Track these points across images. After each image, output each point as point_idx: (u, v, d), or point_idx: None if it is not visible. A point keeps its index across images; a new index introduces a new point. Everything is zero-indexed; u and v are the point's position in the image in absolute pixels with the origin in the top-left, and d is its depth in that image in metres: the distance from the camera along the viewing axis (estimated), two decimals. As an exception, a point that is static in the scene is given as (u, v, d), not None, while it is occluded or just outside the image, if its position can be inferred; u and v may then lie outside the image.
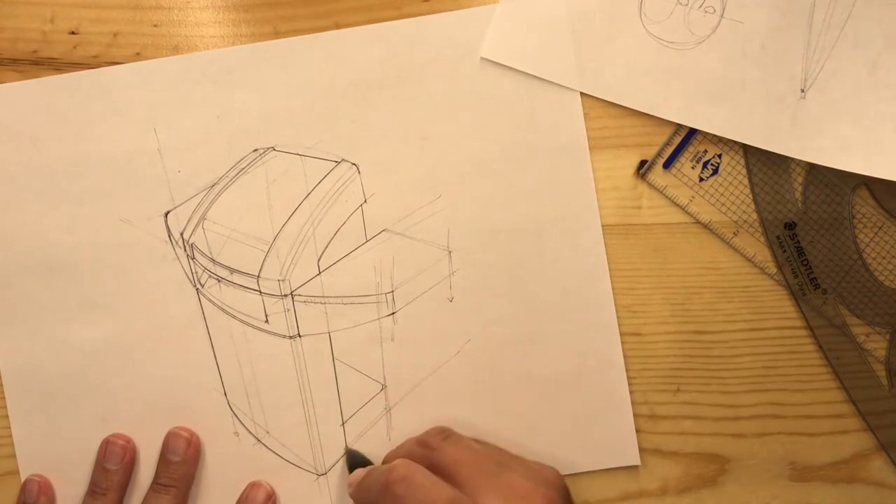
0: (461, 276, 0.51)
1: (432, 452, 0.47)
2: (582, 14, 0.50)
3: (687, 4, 0.50)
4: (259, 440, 0.52)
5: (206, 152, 0.50)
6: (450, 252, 0.51)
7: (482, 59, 0.50)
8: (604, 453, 0.51)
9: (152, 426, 0.51)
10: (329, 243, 0.50)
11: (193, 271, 0.50)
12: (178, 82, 0.50)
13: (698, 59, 0.50)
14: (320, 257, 0.50)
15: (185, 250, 0.50)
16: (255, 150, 0.50)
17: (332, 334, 0.51)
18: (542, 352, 0.51)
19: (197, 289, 0.50)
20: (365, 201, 0.51)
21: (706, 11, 0.49)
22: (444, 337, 0.51)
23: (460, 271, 0.51)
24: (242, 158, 0.50)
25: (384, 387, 0.52)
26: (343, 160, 0.50)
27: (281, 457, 0.52)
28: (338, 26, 0.50)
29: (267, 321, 0.50)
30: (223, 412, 0.51)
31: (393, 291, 0.51)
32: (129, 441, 0.51)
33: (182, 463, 0.50)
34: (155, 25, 0.51)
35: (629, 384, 0.52)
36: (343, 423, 0.52)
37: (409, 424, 0.52)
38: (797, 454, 0.52)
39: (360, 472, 0.48)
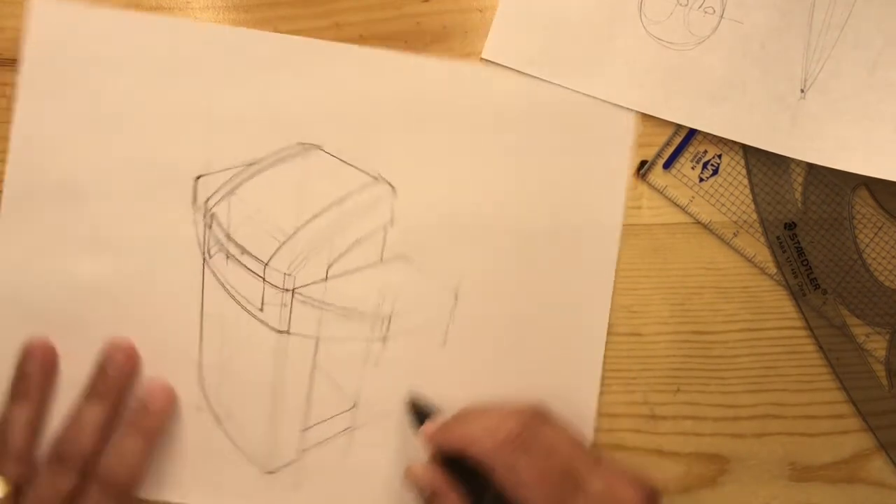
0: (460, 324, 0.51)
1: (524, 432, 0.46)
2: (582, 14, 0.51)
3: (686, 5, 0.50)
4: (218, 420, 0.51)
5: (254, 130, 0.50)
6: (456, 298, 0.51)
7: (537, 113, 0.51)
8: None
9: None
10: (344, 253, 0.50)
11: (206, 240, 0.50)
12: (250, 54, 0.50)
13: (698, 59, 0.50)
14: (331, 264, 0.50)
15: (204, 217, 0.50)
16: (301, 143, 0.50)
17: (320, 340, 0.51)
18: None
19: (204, 258, 0.50)
20: (391, 223, 0.51)
21: (706, 12, 0.50)
22: (426, 377, 0.51)
23: (461, 320, 0.51)
24: (286, 147, 0.50)
25: (354, 406, 0.52)
26: (381, 178, 0.50)
27: (234, 444, 0.51)
28: (337, 26, 0.51)
29: (262, 309, 0.50)
30: (192, 383, 0.51)
31: (390, 316, 0.51)
32: (49, 346, 0.50)
33: (119, 376, 0.49)
34: None
35: (629, 384, 0.51)
36: (304, 430, 0.52)
37: (369, 449, 0.52)
38: (797, 454, 0.52)
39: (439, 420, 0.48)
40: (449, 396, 0.51)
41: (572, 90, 0.50)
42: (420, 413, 0.49)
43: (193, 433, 0.51)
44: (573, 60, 0.51)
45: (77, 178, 0.50)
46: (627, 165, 0.51)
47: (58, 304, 0.50)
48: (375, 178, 0.50)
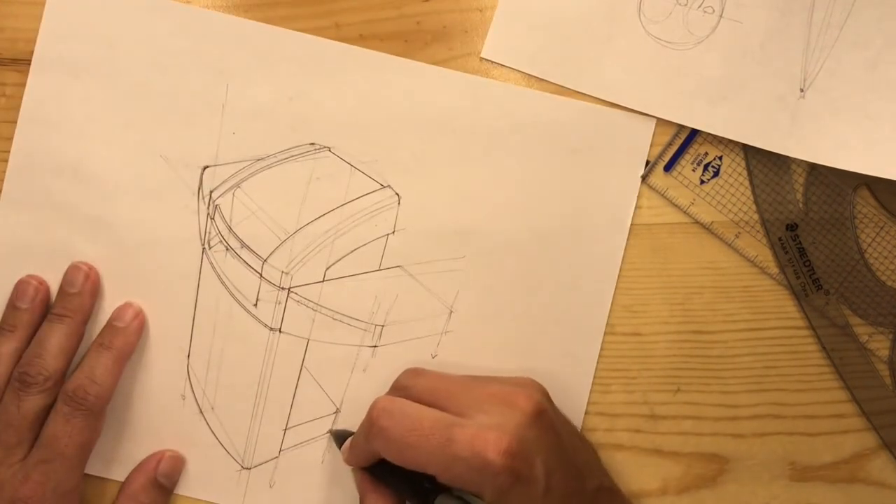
0: (453, 338, 0.51)
1: (408, 390, 0.46)
2: (581, 14, 0.52)
3: (686, 4, 0.51)
4: (201, 411, 0.51)
5: (266, 127, 0.51)
6: (451, 312, 0.51)
7: (551, 136, 0.51)
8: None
9: None
10: (343, 257, 0.50)
11: (207, 231, 0.50)
12: (269, 51, 0.51)
13: (697, 59, 0.51)
14: (329, 267, 0.50)
15: (207, 208, 0.50)
16: (312, 143, 0.51)
17: (310, 342, 0.51)
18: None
19: (204, 248, 0.50)
20: (393, 232, 0.51)
21: (705, 11, 0.51)
22: None
23: (454, 333, 0.51)
24: (297, 146, 0.51)
25: (338, 410, 0.51)
26: (389, 186, 0.51)
27: (215, 436, 0.51)
28: (337, 26, 0.51)
29: (256, 305, 0.50)
30: (179, 372, 0.51)
31: (384, 326, 0.51)
32: (42, 282, 0.50)
33: (78, 294, 0.49)
34: None
35: (629, 384, 0.51)
36: (286, 429, 0.51)
37: None
38: (797, 454, 0.51)
39: (349, 440, 0.47)
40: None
41: (580, 98, 0.51)
42: (341, 440, 0.49)
43: (176, 421, 0.51)
44: (572, 60, 0.51)
45: (82, 158, 0.51)
46: (640, 173, 0.51)
47: (55, 279, 0.50)
48: (383, 186, 0.51)
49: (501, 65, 0.51)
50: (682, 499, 0.51)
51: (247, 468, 0.51)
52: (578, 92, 0.51)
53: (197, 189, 0.51)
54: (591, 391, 0.51)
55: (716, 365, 0.51)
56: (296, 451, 0.51)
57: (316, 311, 0.50)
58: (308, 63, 0.51)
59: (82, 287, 0.50)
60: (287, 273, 0.49)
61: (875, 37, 0.49)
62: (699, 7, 0.51)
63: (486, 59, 0.52)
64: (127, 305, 0.50)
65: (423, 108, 0.51)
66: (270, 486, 0.51)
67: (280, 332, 0.50)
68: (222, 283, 0.51)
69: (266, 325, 0.50)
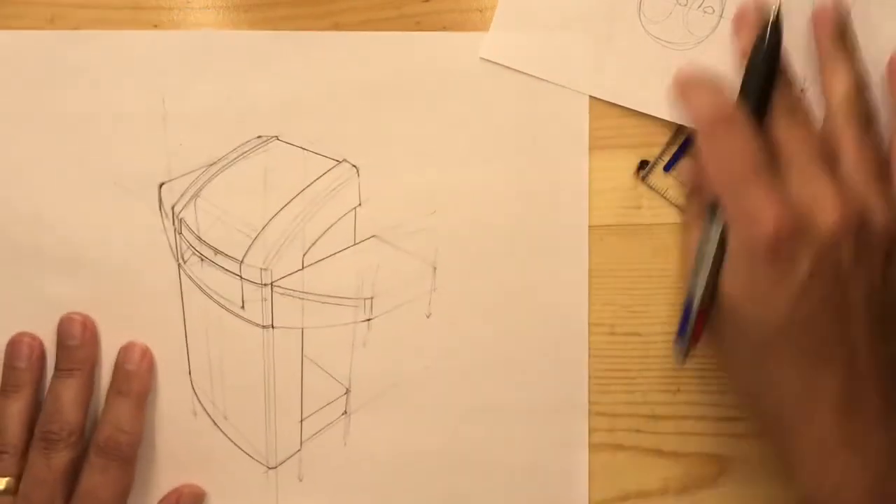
0: (442, 294, 0.51)
1: None
2: (581, 14, 0.51)
3: (686, 4, 0.50)
4: (215, 423, 0.51)
5: (211, 130, 0.50)
6: (434, 269, 0.51)
7: (496, 79, 0.50)
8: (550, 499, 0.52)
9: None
10: (317, 240, 0.50)
11: (178, 246, 0.50)
12: (195, 56, 0.50)
13: (698, 59, 0.50)
14: (306, 253, 0.50)
15: (173, 224, 0.50)
16: (259, 136, 0.50)
17: (305, 330, 0.51)
18: (509, 383, 0.51)
19: (179, 264, 0.51)
20: (359, 204, 0.51)
21: (705, 11, 0.50)
22: (415, 351, 0.51)
23: (442, 289, 0.51)
24: (245, 143, 0.50)
25: (347, 391, 0.52)
26: (344, 160, 0.50)
27: (234, 443, 0.52)
28: (337, 27, 0.51)
29: (243, 307, 0.50)
30: (184, 389, 0.51)
31: (372, 298, 0.51)
32: (34, 337, 0.50)
33: (81, 346, 0.50)
34: (155, 26, 0.51)
35: (629, 384, 0.51)
36: (301, 420, 0.52)
37: (367, 432, 0.52)
38: None
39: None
40: (440, 367, 0.51)
41: (536, 77, 0.50)
42: None
43: (192, 438, 0.52)
44: (572, 60, 0.51)
45: (42, 202, 0.50)
46: (586, 143, 0.51)
47: (37, 329, 0.50)
48: (338, 162, 0.50)
49: (501, 65, 0.51)
50: (682, 499, 0.52)
51: (272, 468, 0.52)
52: (579, 92, 0.50)
53: (158, 207, 0.50)
54: (590, 391, 0.51)
55: (716, 365, 0.51)
56: (316, 439, 0.52)
57: (303, 299, 0.51)
58: (237, 58, 0.50)
59: (82, 338, 0.50)
60: (266, 269, 0.50)
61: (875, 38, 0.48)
62: (699, 7, 0.50)
63: (486, 60, 0.51)
64: (132, 345, 0.51)
65: (358, 76, 0.50)
66: (300, 480, 0.52)
67: (273, 327, 0.51)
68: (205, 293, 0.51)
69: (258, 324, 0.51)
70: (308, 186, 0.50)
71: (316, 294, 0.50)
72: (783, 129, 0.43)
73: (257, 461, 0.52)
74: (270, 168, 0.50)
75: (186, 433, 0.51)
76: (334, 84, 0.50)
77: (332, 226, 0.50)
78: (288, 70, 0.50)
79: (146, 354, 0.50)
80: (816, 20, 0.47)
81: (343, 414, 0.52)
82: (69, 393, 0.49)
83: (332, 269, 0.50)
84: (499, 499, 0.52)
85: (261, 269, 0.49)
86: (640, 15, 0.50)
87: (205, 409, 0.51)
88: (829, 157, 0.42)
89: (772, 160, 0.42)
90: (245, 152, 0.50)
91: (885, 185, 0.43)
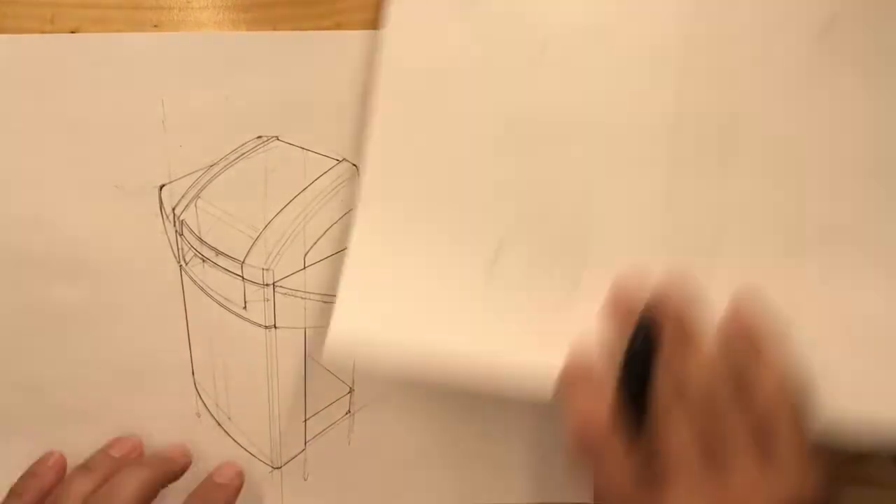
0: None
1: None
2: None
3: None
4: (220, 424, 0.52)
5: (210, 132, 0.50)
6: None
7: None
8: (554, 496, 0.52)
9: (117, 392, 0.51)
10: (318, 240, 0.50)
11: (179, 248, 0.50)
12: (193, 57, 0.49)
13: None
14: (307, 252, 0.50)
15: (174, 226, 0.50)
16: (259, 136, 0.50)
17: (307, 330, 0.51)
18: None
19: (181, 265, 0.50)
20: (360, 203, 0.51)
21: None
22: None
23: None
24: (245, 143, 0.50)
25: (351, 390, 0.52)
26: (344, 159, 0.50)
27: (239, 444, 0.52)
28: (338, 26, 0.50)
29: (245, 308, 0.50)
30: (188, 391, 0.51)
31: None
32: (62, 459, 0.51)
33: (120, 458, 0.50)
34: (155, 25, 0.50)
35: None
36: (305, 420, 0.52)
37: (371, 431, 0.52)
38: None
39: None
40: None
41: None
42: None
43: (197, 440, 0.52)
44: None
45: (43, 205, 0.50)
46: None
47: (40, 332, 0.51)
48: (338, 161, 0.50)
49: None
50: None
51: (277, 468, 0.52)
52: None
53: (159, 209, 0.50)
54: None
55: None
56: (321, 438, 0.52)
57: (305, 298, 0.50)
58: (234, 59, 0.50)
59: (126, 451, 0.50)
60: (267, 269, 0.49)
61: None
62: None
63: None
64: (227, 463, 0.51)
65: (351, 74, 0.50)
66: (305, 480, 0.52)
67: (275, 328, 0.51)
68: (207, 294, 0.51)
69: (260, 325, 0.51)
70: (308, 186, 0.50)
71: (318, 293, 0.50)
72: (664, 427, 0.42)
73: (262, 461, 0.52)
74: (270, 168, 0.50)
75: (190, 435, 0.51)
76: (329, 82, 0.50)
77: (333, 225, 0.50)
78: (288, 70, 0.49)
79: (136, 447, 0.51)
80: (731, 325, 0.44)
81: (347, 413, 0.52)
82: (79, 487, 0.48)
83: (335, 267, 0.50)
84: (504, 496, 0.52)
85: (262, 269, 0.49)
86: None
87: (208, 411, 0.51)
88: (714, 455, 0.41)
89: (647, 474, 0.42)
90: (245, 153, 0.50)
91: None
